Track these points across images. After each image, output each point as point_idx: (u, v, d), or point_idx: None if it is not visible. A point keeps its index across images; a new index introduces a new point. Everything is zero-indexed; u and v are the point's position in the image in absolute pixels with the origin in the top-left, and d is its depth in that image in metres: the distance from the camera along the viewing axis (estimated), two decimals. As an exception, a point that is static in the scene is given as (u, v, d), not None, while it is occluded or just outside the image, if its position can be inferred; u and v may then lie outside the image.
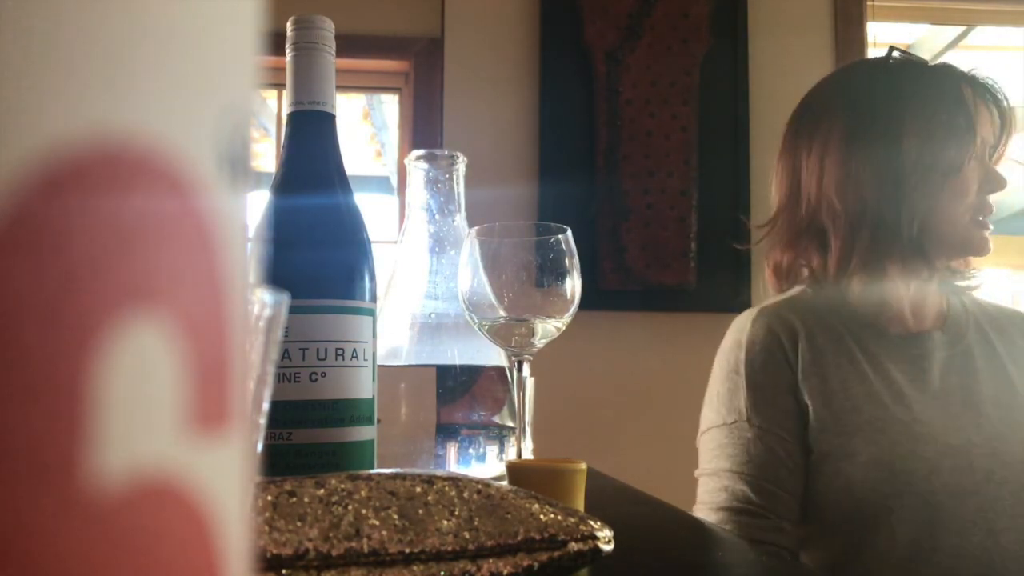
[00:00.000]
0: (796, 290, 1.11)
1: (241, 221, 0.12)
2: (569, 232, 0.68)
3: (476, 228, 0.67)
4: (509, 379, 0.75)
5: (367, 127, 4.02)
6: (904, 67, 1.07)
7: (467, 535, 0.38)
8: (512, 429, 0.74)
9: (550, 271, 0.66)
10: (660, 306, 2.00)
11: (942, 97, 1.04)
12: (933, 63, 1.11)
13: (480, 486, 0.40)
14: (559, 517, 0.40)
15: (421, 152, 0.77)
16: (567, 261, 0.67)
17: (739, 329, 1.11)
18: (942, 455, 0.95)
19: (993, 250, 1.06)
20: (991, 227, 1.06)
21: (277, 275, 0.52)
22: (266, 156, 2.79)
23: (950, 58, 3.38)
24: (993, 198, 1.08)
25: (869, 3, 2.13)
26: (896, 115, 1.02)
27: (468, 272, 0.67)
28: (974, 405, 0.99)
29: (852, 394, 1.00)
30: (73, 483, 0.10)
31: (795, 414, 1.01)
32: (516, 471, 0.55)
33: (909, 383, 1.01)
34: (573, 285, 0.67)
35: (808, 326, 1.06)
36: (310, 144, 0.60)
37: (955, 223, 1.04)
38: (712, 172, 2.04)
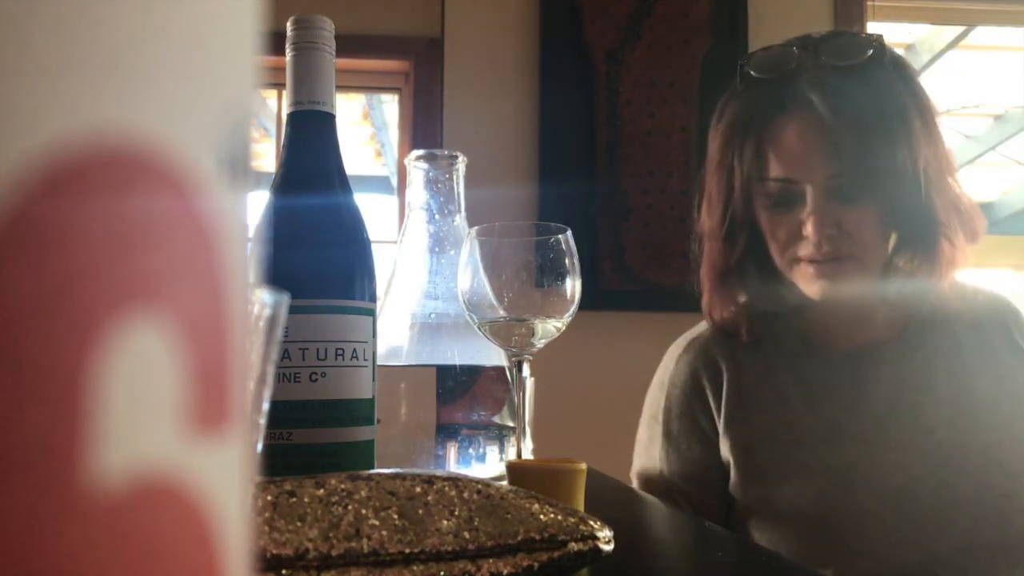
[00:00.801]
0: (732, 311, 0.98)
1: (241, 221, 0.12)
2: (569, 232, 0.68)
3: (476, 228, 0.67)
4: (509, 379, 0.75)
5: (367, 127, 4.02)
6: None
7: (467, 535, 0.38)
8: (512, 429, 0.74)
9: (550, 271, 0.66)
10: (660, 306, 2.00)
11: None
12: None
13: (480, 486, 0.40)
14: (559, 517, 0.40)
15: (421, 152, 0.77)
16: (567, 261, 0.67)
17: (664, 367, 1.05)
18: (879, 503, 0.85)
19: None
20: (826, 268, 0.89)
21: (277, 275, 0.52)
22: (266, 156, 2.79)
23: (950, 58, 3.39)
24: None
25: (869, 3, 2.13)
26: None
27: (468, 272, 0.67)
28: (924, 429, 0.88)
29: (778, 440, 0.91)
30: (73, 483, 0.10)
31: (712, 466, 0.95)
32: (516, 471, 0.55)
33: (845, 413, 0.91)
34: (573, 285, 0.67)
35: (736, 363, 0.98)
36: (310, 144, 0.60)
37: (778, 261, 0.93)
38: (712, 172, 2.04)
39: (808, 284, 0.91)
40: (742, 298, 0.97)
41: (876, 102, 0.87)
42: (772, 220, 0.92)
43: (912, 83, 0.91)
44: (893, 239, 0.89)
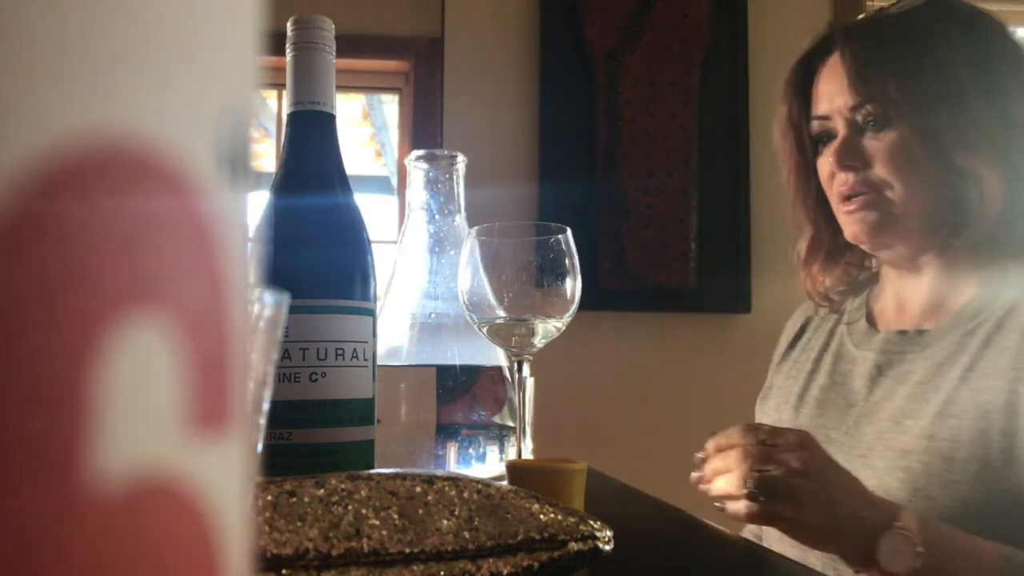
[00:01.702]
0: (818, 288, 1.00)
1: (241, 221, 0.12)
2: (569, 232, 0.68)
3: (476, 228, 0.67)
4: (509, 379, 0.75)
5: (367, 127, 4.02)
6: None
7: (467, 535, 0.38)
8: (512, 429, 0.74)
9: (550, 271, 0.67)
10: (660, 306, 2.00)
11: None
12: None
13: (480, 486, 0.40)
14: (559, 517, 0.40)
15: (421, 152, 0.77)
16: (567, 261, 0.67)
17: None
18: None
19: None
20: (853, 205, 0.88)
21: (277, 275, 0.52)
22: (266, 156, 2.79)
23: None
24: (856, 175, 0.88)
25: (869, 3, 2.13)
26: None
27: (468, 272, 0.67)
28: (900, 447, 0.82)
29: (802, 401, 0.95)
30: (73, 483, 0.10)
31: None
32: (516, 471, 0.55)
33: (853, 392, 0.90)
34: (573, 285, 0.67)
35: (816, 325, 1.02)
36: (310, 144, 0.60)
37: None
38: (712, 172, 2.04)
39: (845, 225, 0.90)
40: (825, 275, 0.99)
41: (907, 37, 0.86)
42: (820, 162, 0.91)
43: (980, 33, 0.87)
44: (940, 192, 0.84)
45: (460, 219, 0.77)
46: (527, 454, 0.72)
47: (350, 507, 0.38)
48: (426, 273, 0.76)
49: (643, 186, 2.02)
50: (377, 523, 0.38)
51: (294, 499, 0.38)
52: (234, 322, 0.12)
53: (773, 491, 0.69)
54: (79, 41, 0.10)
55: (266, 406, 0.26)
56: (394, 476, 0.40)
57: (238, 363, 0.12)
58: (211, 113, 0.11)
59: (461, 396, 0.73)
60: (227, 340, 0.12)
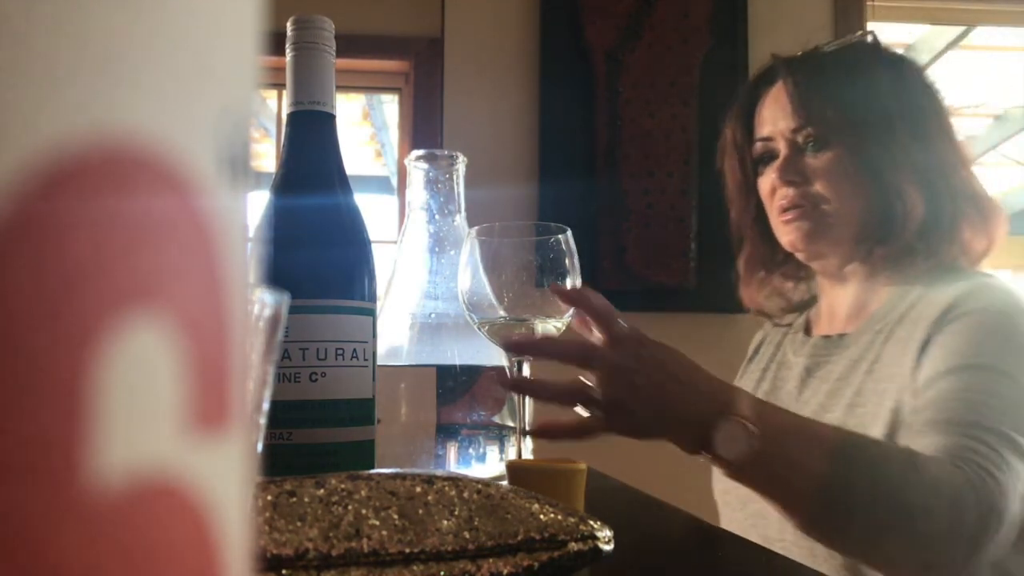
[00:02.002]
0: (760, 301, 1.12)
1: (241, 221, 0.12)
2: (569, 232, 0.68)
3: (476, 228, 0.67)
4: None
5: (367, 127, 4.02)
6: None
7: (467, 535, 0.38)
8: (512, 429, 0.74)
9: (550, 271, 0.66)
10: (660, 306, 2.00)
11: None
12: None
13: (480, 486, 0.40)
14: (559, 517, 0.40)
15: (421, 152, 0.77)
16: (567, 261, 0.67)
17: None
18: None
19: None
20: (791, 215, 0.97)
21: (277, 275, 0.52)
22: (266, 156, 2.79)
23: (950, 58, 3.39)
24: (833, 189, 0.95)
25: (869, 3, 2.13)
26: None
27: (468, 272, 0.67)
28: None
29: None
30: (73, 483, 0.10)
31: None
32: (516, 471, 0.55)
33: (788, 395, 0.99)
34: (573, 285, 0.67)
35: (770, 335, 1.14)
36: (310, 144, 0.60)
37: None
38: (712, 172, 2.03)
39: (782, 235, 0.99)
40: (762, 289, 1.09)
41: (843, 69, 0.98)
42: (762, 180, 1.01)
43: (903, 72, 0.98)
44: (868, 205, 0.94)
45: (460, 219, 0.77)
46: (527, 454, 0.72)
47: (350, 507, 0.38)
48: (426, 273, 0.76)
49: (643, 186, 2.02)
50: (377, 523, 0.38)
51: (294, 499, 0.38)
52: (234, 322, 0.12)
53: (597, 401, 0.71)
54: (79, 41, 0.10)
55: (266, 406, 0.26)
56: (394, 476, 0.40)
57: (238, 363, 0.12)
58: (211, 113, 0.11)
59: (461, 396, 0.73)
60: (227, 340, 0.12)
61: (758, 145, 1.01)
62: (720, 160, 1.10)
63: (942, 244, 0.92)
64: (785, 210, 0.97)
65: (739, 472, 0.73)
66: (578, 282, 0.67)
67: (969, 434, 0.76)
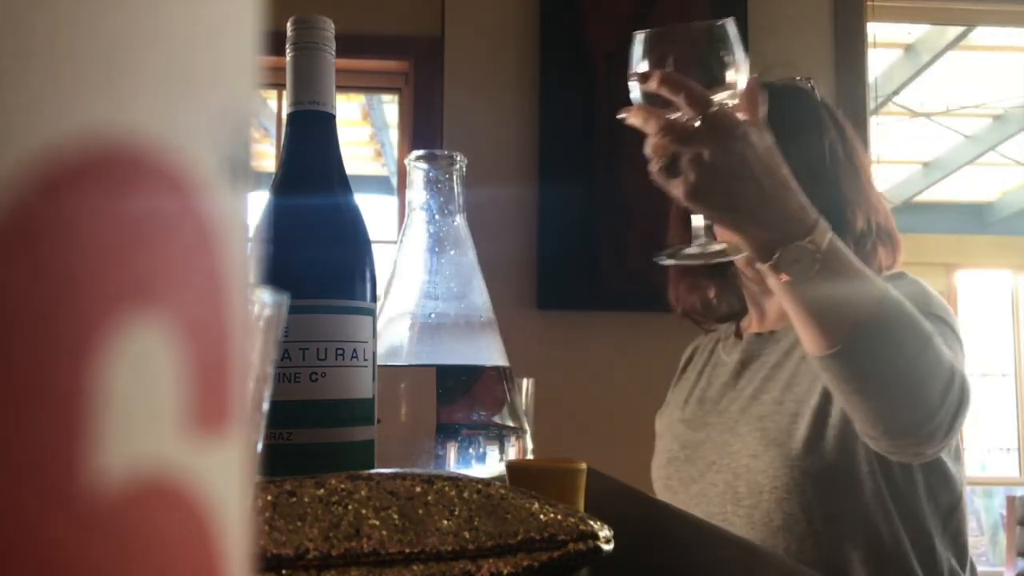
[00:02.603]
0: (690, 303, 1.24)
1: (241, 221, 0.12)
2: (732, 20, 0.78)
3: (640, 32, 0.75)
4: (509, 379, 0.75)
5: (367, 127, 4.02)
6: None
7: (467, 535, 0.38)
8: (512, 429, 0.74)
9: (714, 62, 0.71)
10: (660, 306, 2.00)
11: None
12: None
13: (480, 486, 0.40)
14: (559, 517, 0.40)
15: (421, 152, 0.77)
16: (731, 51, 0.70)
17: None
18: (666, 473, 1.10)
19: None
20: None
21: (277, 275, 0.52)
22: (266, 156, 2.79)
23: (950, 58, 3.39)
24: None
25: (869, 3, 2.13)
26: None
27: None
28: (752, 418, 1.01)
29: (676, 405, 1.18)
30: (73, 483, 0.10)
31: None
32: (516, 471, 0.55)
33: (721, 388, 1.10)
34: (736, 74, 0.68)
35: (701, 344, 1.25)
36: (310, 144, 0.60)
37: None
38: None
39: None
40: (690, 294, 1.20)
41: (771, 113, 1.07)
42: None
43: (823, 118, 1.09)
44: None
45: (460, 219, 0.77)
46: (527, 454, 0.72)
47: (350, 507, 0.38)
48: (426, 273, 0.76)
49: (643, 186, 2.02)
50: (377, 523, 0.38)
51: (294, 499, 0.38)
52: (234, 322, 0.12)
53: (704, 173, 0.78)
54: (79, 41, 0.10)
55: (266, 406, 0.26)
56: (394, 476, 0.40)
57: (238, 363, 0.12)
58: (211, 113, 0.11)
59: (461, 396, 0.73)
60: (227, 340, 0.12)
61: None
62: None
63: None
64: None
65: (793, 289, 0.78)
66: (743, 72, 0.74)
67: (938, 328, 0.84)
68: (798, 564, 0.56)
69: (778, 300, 1.03)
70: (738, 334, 1.16)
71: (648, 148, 0.80)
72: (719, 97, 0.77)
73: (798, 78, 1.17)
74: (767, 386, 1.02)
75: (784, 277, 0.78)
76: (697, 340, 1.28)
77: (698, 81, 0.76)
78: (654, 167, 0.81)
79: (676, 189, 0.80)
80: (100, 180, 0.10)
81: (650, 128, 0.79)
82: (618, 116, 0.86)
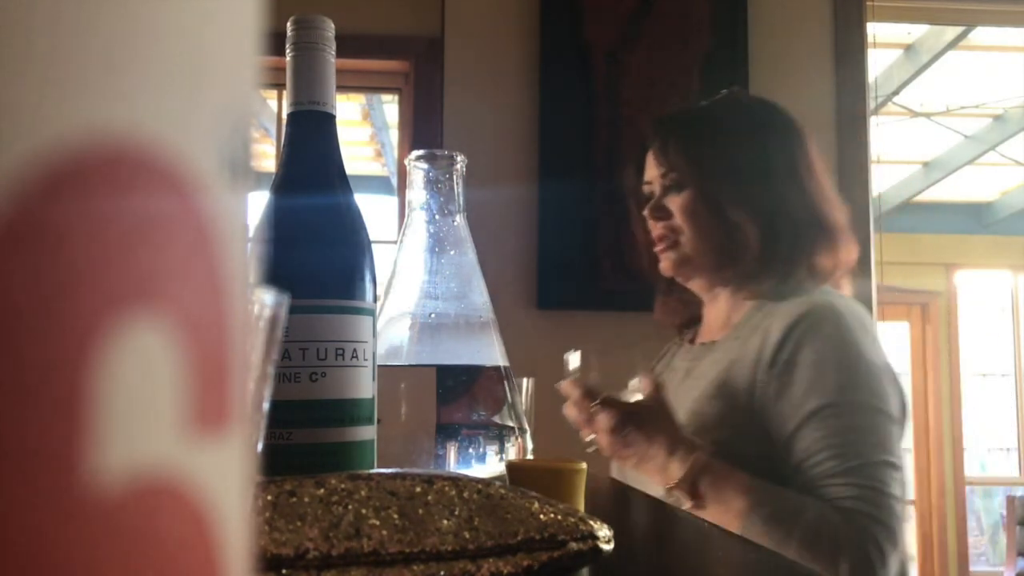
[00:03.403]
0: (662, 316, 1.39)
1: (241, 221, 0.12)
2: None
3: None
4: (509, 379, 0.75)
5: (367, 127, 4.02)
6: None
7: (467, 535, 0.38)
8: (512, 429, 0.74)
9: None
10: (660, 306, 2.00)
11: None
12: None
13: (480, 486, 0.40)
14: (559, 517, 0.40)
15: (421, 152, 0.77)
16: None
17: None
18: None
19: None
20: (661, 246, 1.19)
21: (277, 275, 0.52)
22: (266, 156, 2.79)
23: (950, 58, 3.39)
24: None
25: (869, 3, 2.13)
26: None
27: None
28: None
29: None
30: (73, 483, 0.10)
31: None
32: (516, 471, 0.55)
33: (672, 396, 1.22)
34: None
35: (671, 346, 1.34)
36: (310, 144, 0.60)
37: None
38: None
39: (660, 263, 1.21)
40: (661, 307, 1.33)
41: (699, 125, 1.21)
42: (646, 215, 1.22)
43: (762, 121, 1.20)
44: (715, 237, 1.14)
45: (460, 219, 0.77)
46: (527, 454, 0.72)
47: (350, 507, 0.38)
48: (426, 273, 0.76)
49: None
50: (377, 523, 0.38)
51: (294, 499, 0.38)
52: (234, 322, 0.12)
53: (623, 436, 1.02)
54: (79, 41, 0.10)
55: (266, 406, 0.26)
56: (394, 476, 0.40)
57: (238, 363, 0.12)
58: (211, 113, 0.11)
59: (461, 396, 0.73)
60: (227, 340, 0.12)
61: (644, 187, 1.23)
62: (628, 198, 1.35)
63: (786, 267, 1.11)
64: (658, 241, 1.19)
65: (694, 501, 0.99)
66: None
67: (860, 480, 0.99)
68: (798, 563, 0.56)
69: (716, 312, 1.21)
70: (692, 341, 1.27)
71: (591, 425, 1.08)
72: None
73: (734, 87, 1.30)
74: (700, 396, 1.13)
75: (686, 493, 0.99)
76: (668, 344, 1.37)
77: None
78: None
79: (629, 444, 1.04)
80: (100, 180, 0.10)
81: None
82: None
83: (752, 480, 1.00)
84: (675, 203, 1.16)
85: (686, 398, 1.13)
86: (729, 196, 1.13)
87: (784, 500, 0.99)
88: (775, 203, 1.12)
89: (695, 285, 1.22)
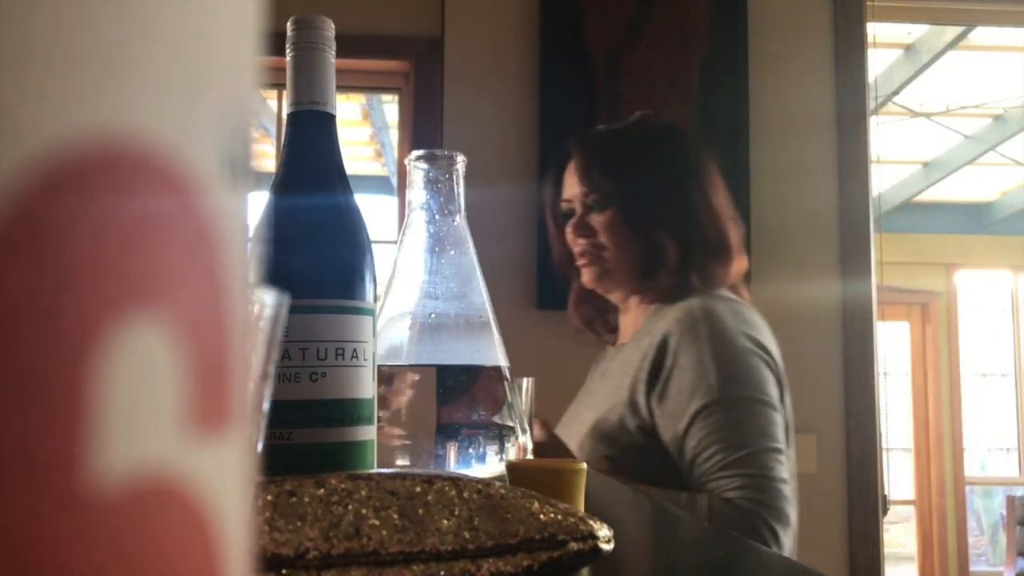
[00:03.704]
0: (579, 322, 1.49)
1: (241, 221, 0.12)
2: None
3: None
4: (509, 379, 0.75)
5: (367, 127, 4.02)
6: None
7: (467, 535, 0.38)
8: (512, 429, 0.74)
9: None
10: (660, 306, 2.00)
11: None
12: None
13: (480, 486, 0.40)
14: (559, 517, 0.40)
15: (421, 152, 0.77)
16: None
17: None
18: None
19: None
20: (583, 261, 1.27)
21: (277, 275, 0.52)
22: (266, 156, 2.79)
23: (950, 58, 3.39)
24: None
25: (869, 3, 2.13)
26: None
27: None
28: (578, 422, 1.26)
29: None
30: (73, 483, 0.10)
31: None
32: (516, 471, 0.55)
33: (583, 392, 1.35)
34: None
35: (604, 350, 1.43)
36: (310, 144, 0.60)
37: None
38: (712, 172, 2.03)
39: (582, 275, 1.29)
40: (576, 313, 1.42)
41: (620, 146, 1.30)
42: (566, 231, 1.30)
43: (672, 144, 1.32)
44: (647, 248, 1.23)
45: (460, 219, 0.77)
46: (527, 454, 0.72)
47: (350, 507, 0.38)
48: (426, 273, 0.76)
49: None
50: (377, 523, 0.38)
51: (294, 499, 0.38)
52: (234, 322, 0.12)
53: None
54: (79, 41, 0.10)
55: (266, 406, 0.26)
56: (394, 476, 0.40)
57: (238, 363, 0.12)
58: (211, 113, 0.11)
59: (461, 396, 0.73)
60: (227, 340, 0.12)
61: (563, 204, 1.31)
62: (542, 212, 1.43)
63: (690, 277, 1.22)
64: (580, 256, 1.27)
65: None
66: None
67: (747, 469, 1.08)
68: (798, 564, 0.56)
69: (628, 318, 1.31)
70: (615, 344, 1.37)
71: None
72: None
73: (645, 112, 1.40)
74: (607, 392, 1.23)
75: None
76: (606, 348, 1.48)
77: None
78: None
79: None
80: (100, 180, 0.10)
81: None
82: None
83: (637, 493, 1.07)
84: (598, 221, 1.25)
85: (599, 399, 1.24)
86: (649, 216, 1.23)
87: (675, 502, 1.04)
88: (689, 221, 1.23)
89: (614, 296, 1.32)
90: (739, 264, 1.29)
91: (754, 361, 1.14)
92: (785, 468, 1.11)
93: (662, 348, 1.15)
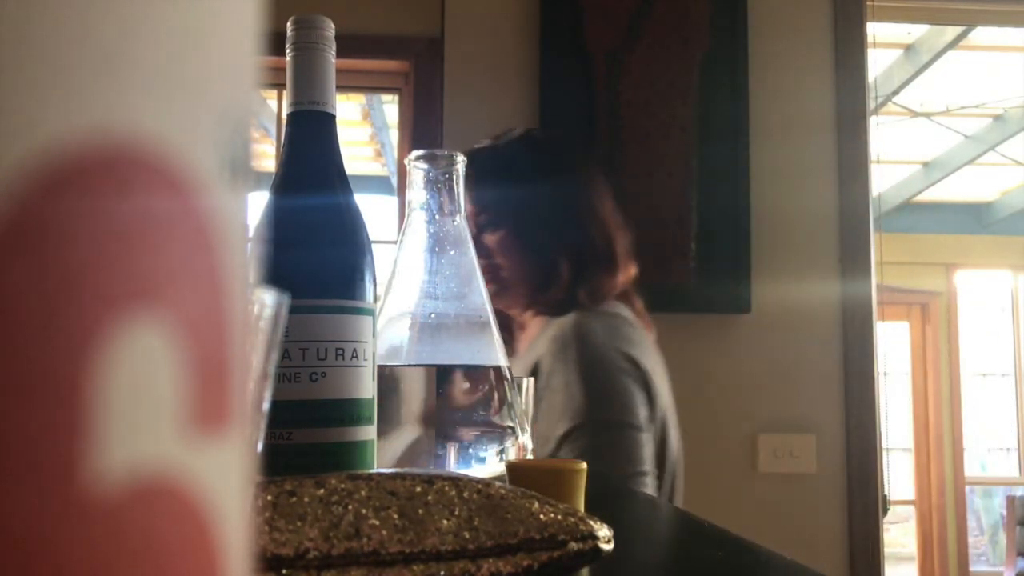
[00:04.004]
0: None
1: (241, 221, 0.12)
2: None
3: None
4: (509, 379, 0.75)
5: (367, 127, 4.02)
6: None
7: (467, 535, 0.38)
8: (512, 429, 0.74)
9: None
10: (660, 306, 2.00)
11: None
12: None
13: (480, 486, 0.40)
14: (559, 517, 0.40)
15: (421, 152, 0.77)
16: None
17: None
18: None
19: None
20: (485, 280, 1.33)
21: (277, 275, 0.52)
22: (266, 156, 2.79)
23: (950, 58, 3.39)
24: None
25: (869, 3, 2.13)
26: None
27: None
28: None
29: None
30: (73, 483, 0.10)
31: None
32: (516, 471, 0.55)
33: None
34: None
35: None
36: (310, 144, 0.60)
37: None
38: (712, 172, 2.04)
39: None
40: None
41: (505, 165, 1.29)
42: None
43: (555, 163, 1.32)
44: (540, 264, 1.24)
45: (460, 219, 0.77)
46: (527, 454, 0.72)
47: (350, 507, 0.38)
48: (426, 273, 0.76)
49: (643, 186, 2.02)
50: (377, 523, 0.38)
51: (294, 499, 0.38)
52: (234, 322, 0.12)
53: None
54: (78, 41, 0.10)
55: (266, 406, 0.26)
56: (394, 476, 0.40)
57: (238, 363, 0.12)
58: (211, 113, 0.11)
59: (461, 396, 0.73)
60: (227, 340, 0.12)
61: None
62: None
63: (578, 292, 1.22)
64: (483, 275, 1.26)
65: None
66: None
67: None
68: (798, 564, 0.56)
69: (530, 332, 1.32)
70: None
71: None
72: None
73: (530, 128, 1.40)
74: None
75: None
76: None
77: None
78: None
79: None
80: (100, 180, 0.10)
81: None
82: None
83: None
84: (491, 241, 1.26)
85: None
86: (539, 232, 1.25)
87: None
88: (579, 235, 1.25)
89: (514, 312, 1.34)
90: (627, 273, 1.30)
91: (623, 382, 1.15)
92: (651, 490, 1.12)
93: (535, 370, 1.17)
